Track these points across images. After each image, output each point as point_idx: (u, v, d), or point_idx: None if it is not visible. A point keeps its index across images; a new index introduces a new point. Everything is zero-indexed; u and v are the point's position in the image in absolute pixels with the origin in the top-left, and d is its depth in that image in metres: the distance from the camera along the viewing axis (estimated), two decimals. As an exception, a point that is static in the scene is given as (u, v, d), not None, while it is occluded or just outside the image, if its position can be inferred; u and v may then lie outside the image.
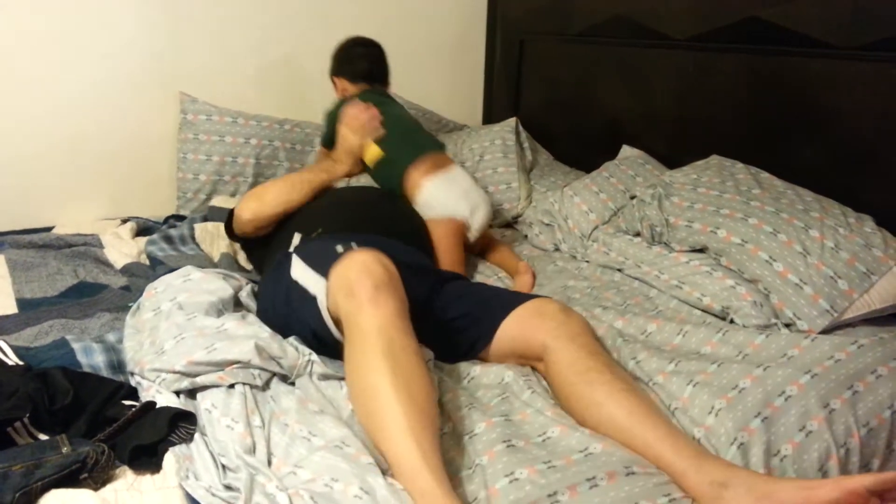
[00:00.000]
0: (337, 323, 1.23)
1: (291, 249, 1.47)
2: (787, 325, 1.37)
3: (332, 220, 1.61)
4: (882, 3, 1.50)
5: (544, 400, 1.20)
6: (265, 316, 1.42)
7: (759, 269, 1.44)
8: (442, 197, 1.82)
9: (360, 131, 1.84)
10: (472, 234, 1.87)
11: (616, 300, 1.59)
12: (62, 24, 2.05)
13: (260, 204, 1.71)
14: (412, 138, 1.93)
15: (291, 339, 1.32)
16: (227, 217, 1.81)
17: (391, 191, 1.87)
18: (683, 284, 1.53)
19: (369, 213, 1.72)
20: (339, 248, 1.35)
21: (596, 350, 1.26)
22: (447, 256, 1.77)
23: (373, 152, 1.85)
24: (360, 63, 2.03)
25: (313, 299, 1.27)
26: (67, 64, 2.09)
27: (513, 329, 1.34)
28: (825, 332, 1.33)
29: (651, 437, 1.07)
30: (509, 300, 1.40)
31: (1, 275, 1.75)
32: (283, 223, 1.72)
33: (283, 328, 1.34)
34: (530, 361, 1.34)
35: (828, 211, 1.49)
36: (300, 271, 1.34)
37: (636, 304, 1.57)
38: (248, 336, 1.26)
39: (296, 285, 1.33)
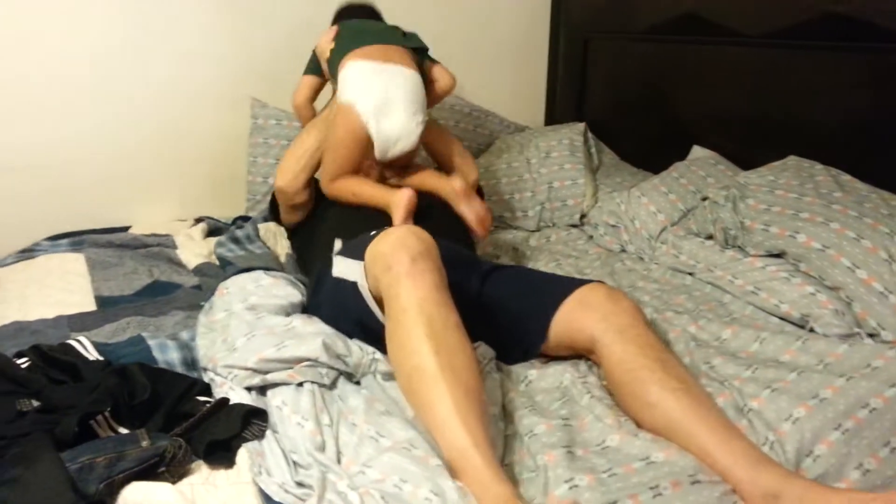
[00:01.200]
0: (379, 303, 1.23)
1: (334, 254, 1.47)
2: (871, 336, 1.31)
3: (372, 224, 1.56)
4: None
5: (603, 406, 1.17)
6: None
7: (841, 276, 1.37)
8: (355, 81, 1.61)
9: (319, 52, 1.81)
10: (376, 152, 1.64)
11: (688, 305, 1.55)
12: (142, 29, 2.12)
13: (282, 165, 1.76)
14: (368, 34, 1.73)
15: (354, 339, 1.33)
16: (271, 202, 1.83)
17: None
18: (760, 290, 1.47)
19: (422, 226, 1.69)
20: (373, 233, 1.31)
21: (646, 342, 1.20)
22: (330, 152, 1.66)
23: (325, 53, 1.76)
24: (342, 10, 1.93)
25: (353, 285, 1.27)
26: (146, 70, 2.16)
27: (562, 324, 1.31)
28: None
29: (706, 441, 1.04)
30: (558, 291, 1.34)
31: (81, 273, 1.83)
32: (322, 226, 1.69)
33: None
34: (583, 352, 1.31)
35: (915, 215, 1.41)
36: (341, 266, 1.34)
37: (709, 309, 1.52)
38: (315, 333, 1.28)
39: (338, 283, 1.33)
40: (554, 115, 2.84)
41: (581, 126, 2.44)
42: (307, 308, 1.48)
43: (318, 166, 1.76)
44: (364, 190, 1.66)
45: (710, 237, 1.72)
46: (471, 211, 1.67)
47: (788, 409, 1.09)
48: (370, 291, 1.24)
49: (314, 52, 1.87)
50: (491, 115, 2.62)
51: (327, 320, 1.37)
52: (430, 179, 1.74)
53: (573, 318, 1.29)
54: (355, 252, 1.31)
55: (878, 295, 1.32)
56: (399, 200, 1.55)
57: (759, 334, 1.32)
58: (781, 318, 1.41)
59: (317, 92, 1.88)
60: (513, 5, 2.70)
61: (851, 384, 1.10)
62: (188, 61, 2.22)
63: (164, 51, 2.17)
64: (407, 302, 1.10)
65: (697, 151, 2.13)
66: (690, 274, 1.69)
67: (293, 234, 1.93)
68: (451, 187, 1.67)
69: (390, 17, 2.45)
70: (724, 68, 2.06)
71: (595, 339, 1.23)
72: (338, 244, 1.50)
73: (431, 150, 1.91)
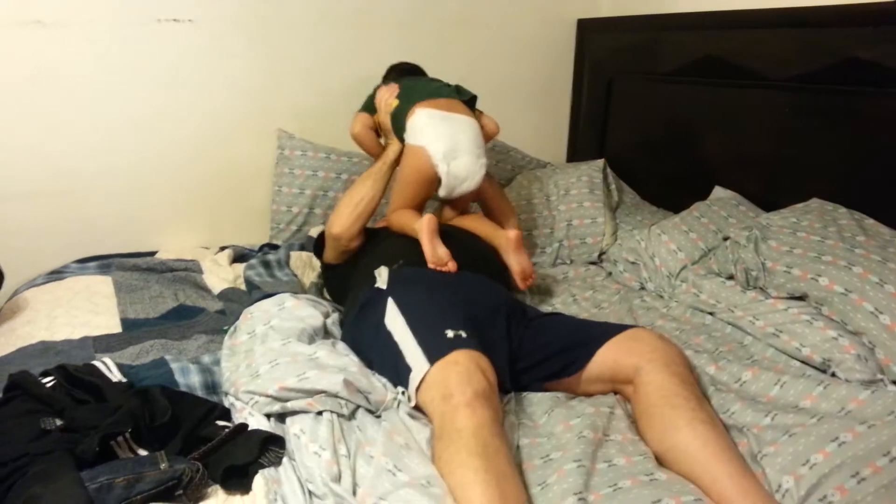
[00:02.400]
0: (419, 406, 1.26)
1: (382, 286, 1.49)
2: (895, 382, 1.29)
3: (413, 252, 1.62)
4: None
5: (618, 454, 1.17)
6: (350, 347, 1.46)
7: (863, 321, 1.36)
8: (426, 128, 1.74)
9: (384, 105, 1.87)
10: (442, 190, 1.78)
11: (707, 345, 1.54)
12: (172, 60, 2.19)
13: (338, 212, 1.80)
14: (429, 89, 1.87)
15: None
16: (317, 240, 1.84)
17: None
18: (781, 333, 1.46)
19: (450, 246, 1.68)
20: (450, 334, 1.28)
21: (688, 379, 1.26)
22: (398, 188, 1.80)
23: (390, 106, 1.85)
24: (394, 70, 2.10)
25: (407, 370, 1.28)
26: (175, 99, 2.22)
27: (608, 354, 1.35)
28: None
29: (721, 473, 1.07)
30: (608, 329, 1.42)
31: (107, 295, 1.86)
32: (361, 254, 1.77)
33: (367, 364, 1.38)
34: (619, 385, 1.34)
35: (941, 260, 1.40)
36: (399, 328, 1.35)
37: (729, 350, 1.51)
38: (338, 368, 1.29)
39: (389, 337, 1.35)
40: (576, 153, 2.87)
41: (600, 162, 2.46)
42: (344, 326, 1.57)
43: (371, 214, 1.83)
44: (402, 218, 1.76)
45: (731, 277, 1.72)
46: (518, 263, 1.73)
47: (806, 453, 1.08)
48: (417, 396, 1.25)
49: (371, 97, 2.00)
50: (513, 150, 2.65)
51: (359, 350, 1.42)
52: (485, 226, 1.85)
53: (622, 348, 1.34)
54: (421, 333, 1.31)
55: (902, 341, 1.30)
56: (421, 225, 1.62)
57: (779, 377, 1.31)
58: (803, 362, 1.40)
59: (370, 127, 1.98)
60: (538, 44, 2.75)
61: (873, 431, 1.09)
62: (218, 93, 2.27)
63: (195, 83, 2.23)
64: (463, 427, 1.10)
65: (719, 192, 2.13)
66: (710, 314, 1.68)
67: (330, 266, 1.94)
68: (505, 237, 1.75)
69: (422, 57, 2.52)
70: (747, 110, 2.07)
71: (639, 367, 1.28)
72: (384, 273, 1.53)
73: (484, 197, 1.98)
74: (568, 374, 1.39)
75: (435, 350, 1.25)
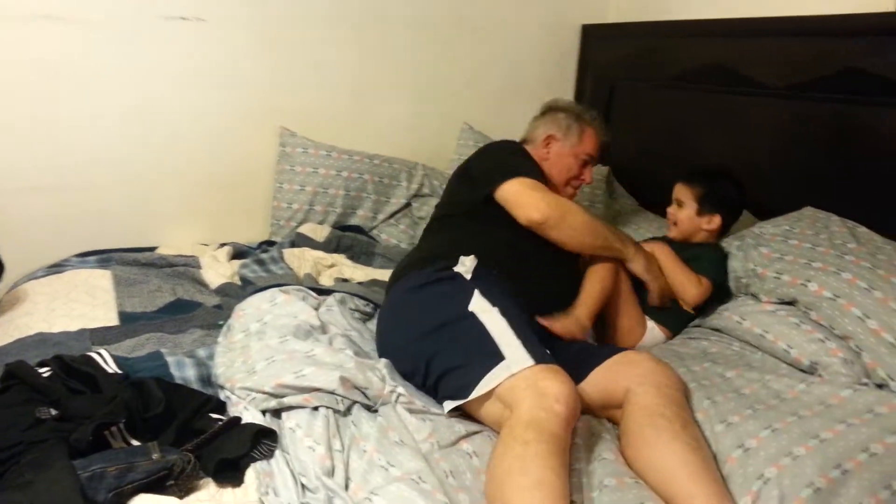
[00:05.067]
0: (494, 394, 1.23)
1: (465, 274, 1.46)
2: (880, 386, 1.30)
3: (513, 265, 1.54)
4: None
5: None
6: (393, 325, 1.46)
7: (850, 326, 1.37)
8: None
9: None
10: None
11: (694, 345, 1.56)
12: (178, 57, 2.21)
13: (560, 219, 1.60)
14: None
15: (381, 365, 1.35)
16: (497, 179, 1.64)
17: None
18: (768, 333, 1.47)
19: (547, 278, 1.60)
20: (545, 347, 1.30)
21: (677, 401, 1.25)
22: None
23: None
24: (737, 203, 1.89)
25: (498, 357, 1.24)
26: (180, 96, 2.24)
27: (600, 377, 1.35)
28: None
29: (697, 492, 1.07)
30: (602, 352, 1.41)
31: (106, 289, 1.88)
32: (463, 231, 1.65)
33: (411, 345, 1.37)
34: (611, 411, 1.33)
35: (929, 267, 1.41)
36: (494, 319, 1.32)
37: (717, 352, 1.52)
38: (334, 365, 1.30)
39: (475, 320, 1.32)
40: (577, 158, 2.87)
41: (605, 170, 2.47)
42: (398, 281, 1.55)
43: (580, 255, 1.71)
44: (608, 231, 1.70)
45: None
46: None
47: (789, 446, 1.10)
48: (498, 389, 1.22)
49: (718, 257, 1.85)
50: (514, 154, 2.66)
51: (413, 325, 1.40)
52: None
53: (614, 371, 1.34)
54: (522, 332, 1.29)
55: (888, 346, 1.31)
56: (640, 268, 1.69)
57: (763, 376, 1.33)
58: (790, 365, 1.41)
59: None
60: (542, 49, 2.76)
61: (852, 429, 1.11)
62: (222, 91, 2.29)
63: (199, 80, 2.25)
64: (560, 433, 1.10)
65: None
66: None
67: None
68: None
69: (424, 60, 2.54)
70: (747, 118, 2.08)
71: (630, 389, 1.27)
72: (470, 262, 1.48)
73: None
74: None
75: (540, 354, 1.24)
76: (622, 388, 1.29)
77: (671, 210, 1.87)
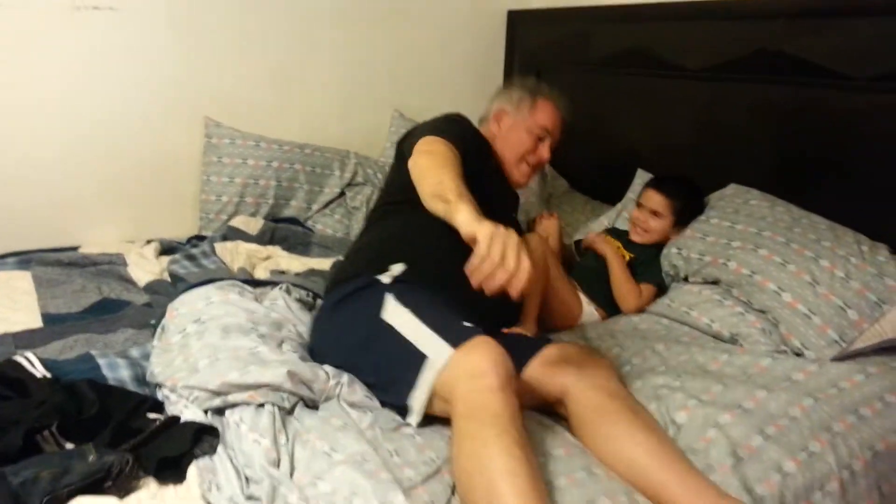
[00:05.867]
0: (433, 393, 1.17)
1: (385, 280, 1.37)
2: (797, 355, 1.39)
3: (452, 267, 1.33)
4: None
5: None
6: (322, 341, 1.38)
7: (768, 301, 1.46)
8: None
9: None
10: None
11: (624, 322, 1.62)
12: (92, 48, 2.12)
13: (413, 165, 1.41)
14: None
15: (326, 365, 1.32)
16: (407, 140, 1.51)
17: None
18: (692, 310, 1.55)
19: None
20: (466, 323, 1.22)
21: (619, 394, 1.25)
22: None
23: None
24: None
25: (420, 359, 1.17)
26: (97, 89, 2.15)
27: (535, 374, 1.32)
28: (834, 360, 1.34)
29: (669, 478, 1.08)
30: (531, 346, 1.37)
31: (27, 291, 1.80)
32: (398, 225, 1.52)
33: (341, 363, 1.32)
34: (550, 404, 1.32)
35: (840, 240, 1.50)
36: (405, 320, 1.25)
37: (647, 328, 1.59)
38: (281, 361, 1.27)
39: (390, 331, 1.25)
40: (507, 142, 2.91)
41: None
42: (320, 312, 1.46)
43: None
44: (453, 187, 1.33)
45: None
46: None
47: (714, 416, 1.17)
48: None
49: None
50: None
51: (340, 346, 1.33)
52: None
53: (547, 369, 1.31)
54: (438, 325, 1.21)
55: (802, 317, 1.40)
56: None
57: (689, 348, 1.40)
58: (714, 337, 1.49)
59: None
60: (469, 35, 2.78)
61: (773, 396, 1.18)
62: (141, 82, 2.22)
63: (117, 72, 2.17)
64: (501, 410, 1.04)
65: (641, 175, 2.20)
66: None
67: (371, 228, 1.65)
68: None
69: (353, 44, 2.51)
70: (670, 100, 2.15)
71: (567, 390, 1.26)
72: (397, 269, 1.39)
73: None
74: None
75: (456, 335, 1.16)
76: (558, 386, 1.28)
77: (641, 216, 1.84)
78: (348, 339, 1.33)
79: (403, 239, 1.48)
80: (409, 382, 1.18)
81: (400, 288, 1.33)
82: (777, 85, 1.81)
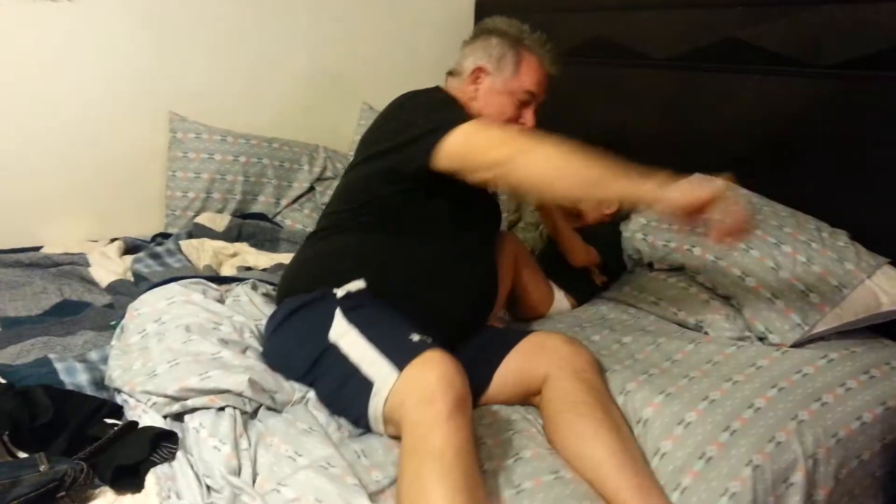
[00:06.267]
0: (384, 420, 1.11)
1: (338, 293, 1.26)
2: (761, 339, 1.39)
3: (399, 279, 1.32)
4: (871, 19, 1.51)
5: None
6: (273, 356, 1.30)
7: (731, 286, 1.46)
8: None
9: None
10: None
11: (593, 311, 1.63)
12: (51, 43, 2.07)
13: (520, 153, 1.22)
14: None
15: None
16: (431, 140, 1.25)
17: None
18: (661, 300, 1.55)
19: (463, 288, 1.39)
20: (415, 338, 1.13)
21: (596, 385, 1.22)
22: None
23: None
24: None
25: (368, 385, 1.10)
26: (57, 84, 2.10)
27: (516, 363, 1.29)
28: (798, 345, 1.35)
29: (624, 485, 1.07)
30: (512, 336, 1.34)
31: (-15, 293, 1.76)
32: (334, 249, 1.39)
33: (295, 380, 1.26)
34: (531, 397, 1.29)
35: (802, 226, 1.52)
36: (351, 340, 1.17)
37: (615, 318, 1.59)
38: (243, 367, 1.24)
39: (336, 352, 1.17)
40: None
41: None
42: (276, 315, 1.34)
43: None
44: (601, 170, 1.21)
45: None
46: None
47: (681, 413, 1.16)
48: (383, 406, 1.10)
49: None
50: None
51: (289, 366, 1.26)
52: None
53: (529, 357, 1.28)
54: (384, 344, 1.13)
55: (765, 301, 1.41)
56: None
57: (656, 339, 1.40)
58: (680, 325, 1.49)
59: None
60: (436, 25, 2.75)
61: (737, 387, 1.18)
62: (101, 75, 2.17)
63: (77, 65, 2.12)
64: (446, 445, 0.97)
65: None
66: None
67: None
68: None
69: (319, 36, 2.47)
70: (636, 89, 2.15)
71: (548, 375, 1.23)
72: (353, 288, 1.27)
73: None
74: (478, 387, 1.27)
75: (402, 354, 1.09)
76: (540, 374, 1.25)
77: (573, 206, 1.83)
78: (297, 358, 1.25)
79: (367, 253, 1.35)
80: (359, 408, 1.12)
81: (349, 303, 1.24)
82: (741, 74, 1.81)
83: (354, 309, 1.22)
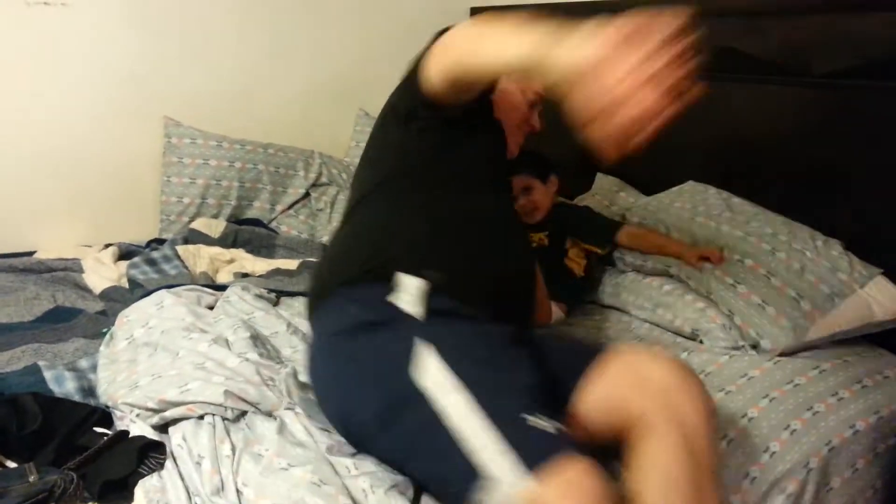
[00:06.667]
0: None
1: (410, 310, 1.03)
2: (754, 347, 1.39)
3: (464, 276, 1.09)
4: (864, 30, 1.51)
5: None
6: (325, 393, 1.11)
7: (723, 292, 1.46)
8: None
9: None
10: None
11: (588, 325, 1.62)
12: (45, 47, 2.07)
13: (444, 52, 1.14)
14: None
15: (281, 377, 1.22)
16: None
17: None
18: (657, 307, 1.55)
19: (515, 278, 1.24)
20: (530, 420, 0.88)
21: (702, 448, 0.95)
22: None
23: None
24: None
25: (474, 470, 0.86)
26: (51, 88, 2.11)
27: (602, 392, 1.01)
28: (790, 353, 1.35)
29: None
30: (584, 351, 1.09)
31: (-23, 300, 1.75)
32: (397, 210, 1.18)
33: (355, 428, 1.06)
34: (612, 433, 1.00)
35: (796, 235, 1.51)
36: (453, 401, 0.91)
37: (610, 325, 1.59)
38: (224, 377, 1.21)
39: (429, 409, 0.92)
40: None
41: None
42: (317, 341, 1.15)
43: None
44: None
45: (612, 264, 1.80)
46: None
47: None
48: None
49: None
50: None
51: (349, 411, 1.06)
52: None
53: (622, 385, 1.00)
54: (504, 426, 0.87)
55: (756, 307, 1.40)
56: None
57: (651, 349, 1.39)
58: (675, 333, 1.49)
59: None
60: (431, 30, 2.73)
61: (730, 397, 1.18)
62: (96, 80, 2.17)
63: (71, 70, 2.12)
64: None
65: (601, 179, 2.20)
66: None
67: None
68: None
69: (313, 42, 2.47)
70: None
71: (646, 419, 0.95)
72: (412, 289, 1.05)
73: None
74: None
75: (529, 452, 0.85)
76: (636, 410, 0.97)
77: (523, 201, 1.75)
78: (369, 399, 1.01)
79: (411, 221, 1.14)
80: (457, 493, 0.89)
81: (437, 329, 1.00)
82: (734, 83, 1.81)
83: (445, 338, 0.98)
